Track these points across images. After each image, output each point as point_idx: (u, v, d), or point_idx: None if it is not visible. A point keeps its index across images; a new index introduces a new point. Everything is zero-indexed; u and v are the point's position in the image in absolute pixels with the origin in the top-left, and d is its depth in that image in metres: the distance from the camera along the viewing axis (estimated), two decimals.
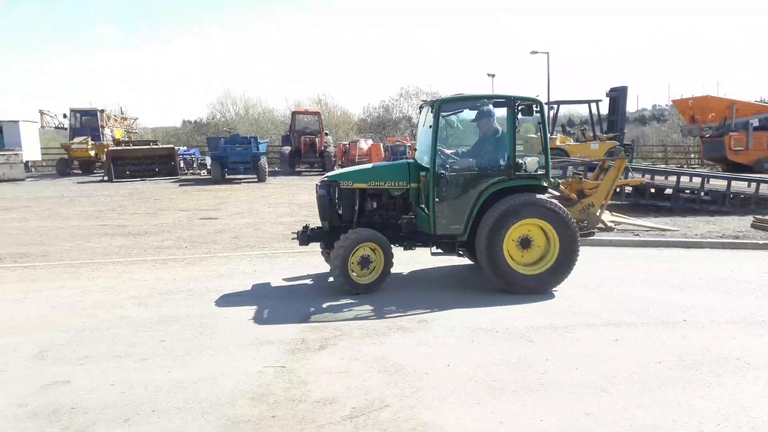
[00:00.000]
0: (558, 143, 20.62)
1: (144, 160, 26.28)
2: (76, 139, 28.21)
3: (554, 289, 6.94)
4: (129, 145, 29.58)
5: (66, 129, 31.22)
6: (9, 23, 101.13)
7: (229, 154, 23.71)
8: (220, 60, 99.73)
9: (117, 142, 30.25)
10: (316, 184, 7.46)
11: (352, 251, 6.70)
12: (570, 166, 13.04)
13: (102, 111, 31.73)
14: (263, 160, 24.34)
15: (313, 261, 8.68)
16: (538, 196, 6.84)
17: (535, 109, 6.84)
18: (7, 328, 5.82)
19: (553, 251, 6.85)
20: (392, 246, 7.02)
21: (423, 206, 7.08)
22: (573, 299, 6.65)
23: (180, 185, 22.69)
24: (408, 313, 6.18)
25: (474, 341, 5.33)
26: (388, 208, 7.43)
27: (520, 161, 6.87)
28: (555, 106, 24.71)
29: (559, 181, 7.93)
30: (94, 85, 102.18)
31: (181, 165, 28.21)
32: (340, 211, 7.34)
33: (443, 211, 6.86)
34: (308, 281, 7.66)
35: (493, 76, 38.15)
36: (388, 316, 6.09)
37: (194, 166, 29.75)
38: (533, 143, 7.64)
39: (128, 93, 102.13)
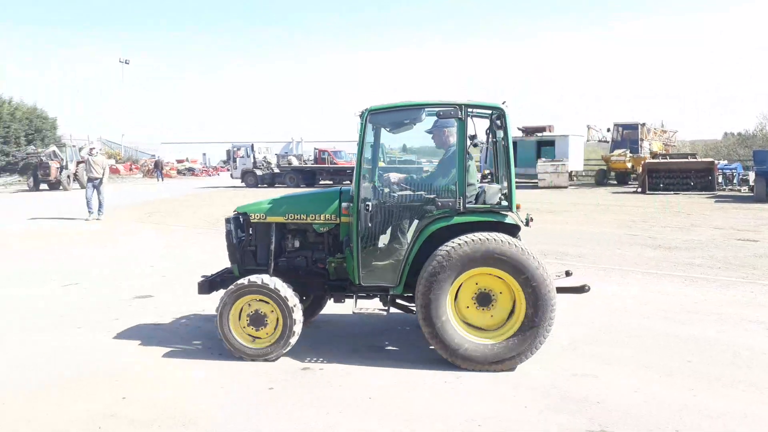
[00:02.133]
0: None
1: (679, 174, 25.55)
2: (616, 152, 29.69)
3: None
4: (666, 158, 29.22)
5: (607, 142, 33.20)
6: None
7: None
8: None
9: (654, 155, 30.32)
10: (225, 218, 5.90)
11: (234, 305, 5.23)
12: None
13: (643, 125, 32.31)
14: None
15: None
16: (492, 236, 4.87)
17: (495, 120, 5.25)
18: None
19: (519, 312, 4.98)
20: (322, 297, 5.82)
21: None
22: None
23: (716, 201, 21.07)
24: None
25: None
26: (315, 248, 5.68)
27: (477, 189, 5.30)
28: None
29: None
30: (639, 101, 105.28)
31: (719, 180, 26.16)
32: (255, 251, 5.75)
33: (370, 255, 5.22)
34: None
35: None
36: None
37: (734, 181, 27.10)
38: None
39: (669, 106, 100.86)
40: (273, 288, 5.20)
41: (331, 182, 34.49)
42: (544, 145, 33.38)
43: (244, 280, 5.30)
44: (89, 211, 16.05)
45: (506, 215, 5.14)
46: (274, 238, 5.65)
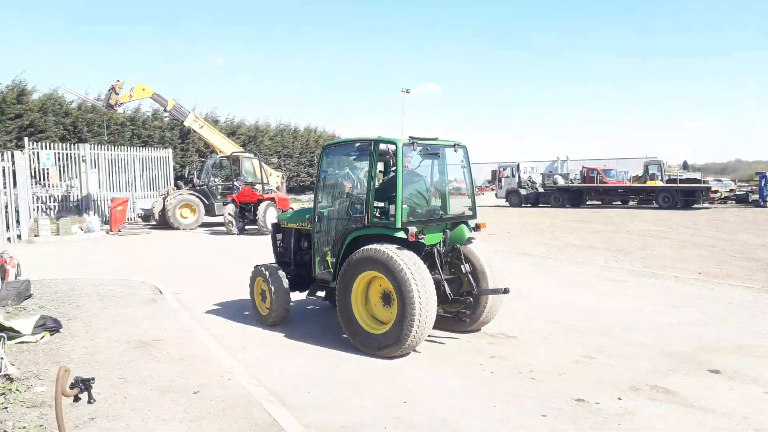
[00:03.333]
0: None
1: None
2: None
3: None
4: None
5: None
6: None
7: None
8: None
9: None
10: (271, 223, 8.26)
11: (253, 285, 7.50)
12: None
13: None
14: None
15: None
16: (372, 245, 5.99)
17: (390, 151, 6.37)
18: None
19: (395, 310, 5.84)
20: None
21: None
22: None
23: None
24: None
25: None
26: None
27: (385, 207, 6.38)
28: None
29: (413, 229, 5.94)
30: None
31: None
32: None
33: (319, 254, 6.90)
34: None
35: None
36: None
37: None
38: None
39: None
40: (263, 272, 7.29)
41: (599, 202, 32.65)
42: None
43: (259, 266, 7.48)
44: None
45: (394, 230, 6.05)
46: (293, 239, 7.68)
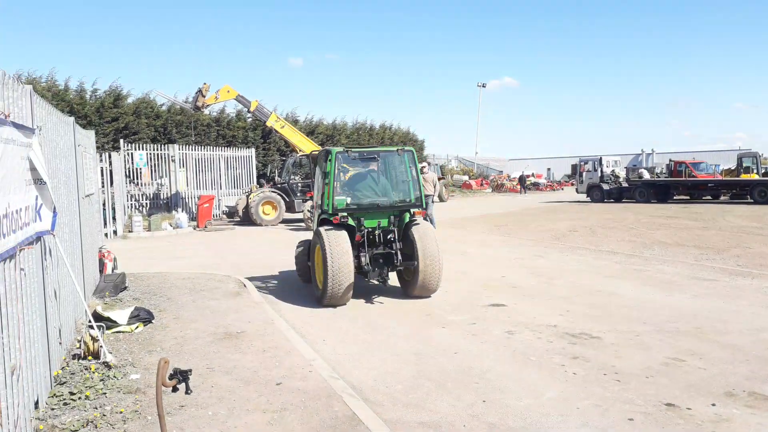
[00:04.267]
0: None
1: None
2: None
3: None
4: None
5: None
6: None
7: None
8: None
9: None
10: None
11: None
12: None
13: None
14: None
15: None
16: (320, 228, 8.39)
17: (328, 157, 8.50)
18: None
19: None
20: None
21: None
22: None
23: None
24: None
25: None
26: None
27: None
28: None
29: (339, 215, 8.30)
30: None
31: None
32: None
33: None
34: None
35: None
36: None
37: None
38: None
39: None
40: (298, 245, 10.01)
41: (688, 197, 30.91)
42: None
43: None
44: None
45: (329, 215, 8.36)
46: None
